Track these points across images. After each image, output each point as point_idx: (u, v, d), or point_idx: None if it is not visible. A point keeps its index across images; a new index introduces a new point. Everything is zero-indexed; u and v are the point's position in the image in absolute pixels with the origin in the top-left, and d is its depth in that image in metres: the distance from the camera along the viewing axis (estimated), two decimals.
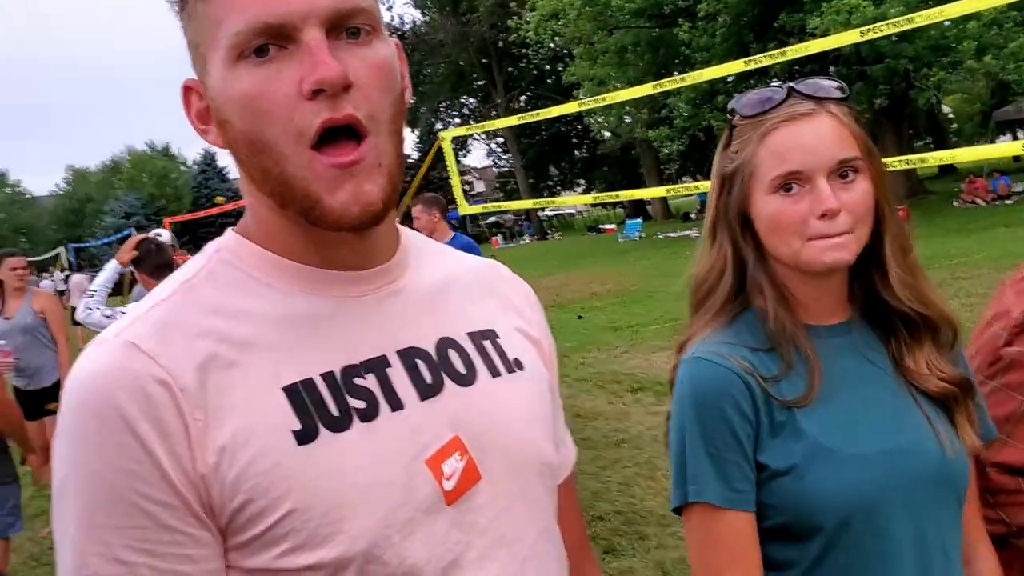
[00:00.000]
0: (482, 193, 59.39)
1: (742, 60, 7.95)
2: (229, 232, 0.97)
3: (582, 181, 52.01)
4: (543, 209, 45.12)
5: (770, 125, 1.25)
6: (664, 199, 37.23)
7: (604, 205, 46.07)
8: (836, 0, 18.67)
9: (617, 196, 11.07)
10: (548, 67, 42.71)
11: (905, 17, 5.82)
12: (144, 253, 4.82)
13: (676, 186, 8.99)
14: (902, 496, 1.20)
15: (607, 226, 39.07)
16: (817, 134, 1.23)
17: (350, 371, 0.88)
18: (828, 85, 1.28)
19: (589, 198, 14.87)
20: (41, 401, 5.95)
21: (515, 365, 1.03)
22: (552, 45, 31.06)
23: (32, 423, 5.77)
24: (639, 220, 32.35)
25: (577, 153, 50.02)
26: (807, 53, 7.90)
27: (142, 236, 4.99)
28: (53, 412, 5.83)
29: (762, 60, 8.10)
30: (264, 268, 0.92)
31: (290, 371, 0.86)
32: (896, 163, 6.14)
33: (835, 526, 1.18)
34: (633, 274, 17.52)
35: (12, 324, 5.95)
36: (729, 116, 1.35)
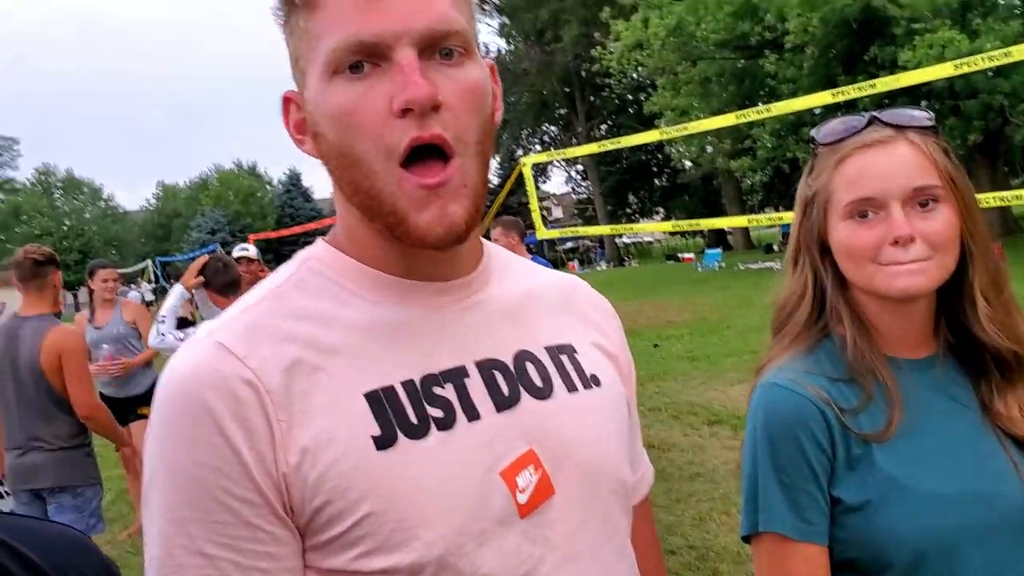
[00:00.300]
0: (560, 219, 59.45)
1: (830, 92, 7.83)
2: (319, 241, 1.00)
3: (661, 209, 51.63)
4: (620, 236, 44.94)
5: (846, 152, 1.25)
6: (746, 230, 36.70)
7: (683, 234, 45.65)
8: (929, 33, 18.23)
9: (698, 224, 10.99)
10: (630, 97, 42.69)
11: (1002, 51, 5.66)
12: (212, 272, 4.89)
13: (758, 216, 8.87)
14: (980, 541, 1.15)
15: (686, 255, 38.70)
16: (893, 161, 1.21)
17: (429, 380, 0.90)
18: (912, 113, 1.27)
19: (668, 225, 14.73)
20: (130, 408, 6.09)
21: (592, 381, 1.02)
22: (635, 75, 31.06)
23: (141, 423, 6.00)
24: (719, 250, 31.92)
25: (657, 182, 49.77)
26: (898, 86, 7.73)
27: (207, 257, 5.06)
28: (143, 417, 6.02)
29: (851, 92, 7.96)
30: (351, 276, 0.94)
31: (372, 378, 0.87)
32: (990, 200, 5.95)
33: (907, 565, 1.15)
34: (711, 304, 17.27)
35: (103, 333, 6.15)
36: (811, 144, 1.34)
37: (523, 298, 1.05)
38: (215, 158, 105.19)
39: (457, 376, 0.92)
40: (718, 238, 38.68)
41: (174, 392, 0.84)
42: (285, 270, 0.98)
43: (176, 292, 4.92)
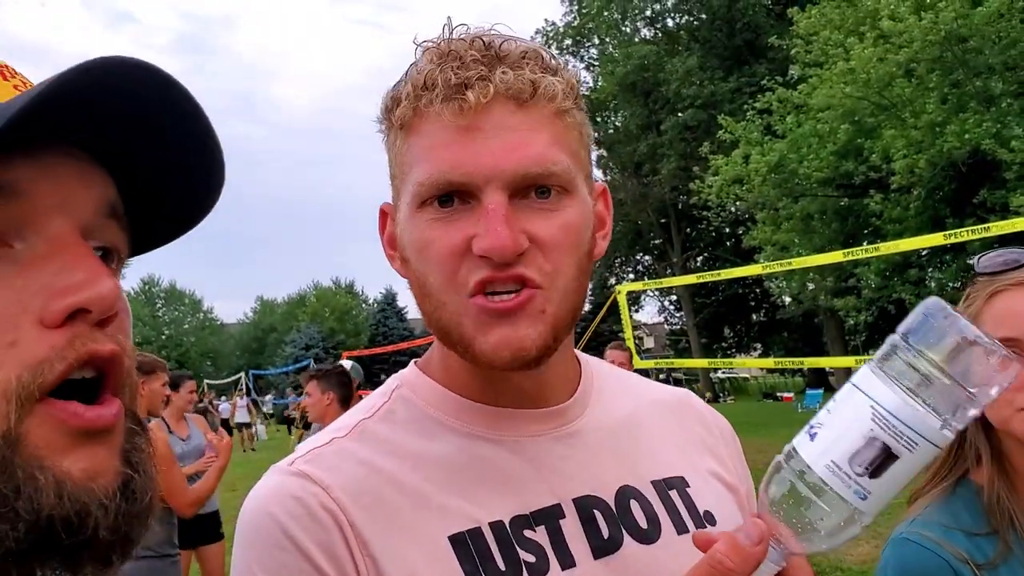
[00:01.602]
0: (651, 349, 58.95)
1: (942, 233, 7.63)
2: (411, 367, 0.98)
3: (758, 345, 50.69)
4: (716, 371, 44.13)
5: (999, 286, 1.21)
6: (849, 370, 35.50)
7: (782, 372, 44.54)
8: None
9: (801, 363, 10.69)
10: (727, 230, 42.73)
11: None
12: (337, 383, 4.99)
13: (866, 357, 8.54)
14: None
15: (785, 394, 37.57)
16: None
17: (520, 521, 0.84)
18: None
19: (770, 362, 14.41)
20: (215, 524, 5.99)
21: (705, 519, 0.92)
22: (733, 209, 31.11)
23: (212, 547, 5.87)
24: (820, 391, 30.88)
25: (754, 316, 49.06)
26: (1012, 231, 7.47)
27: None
28: (221, 537, 5.93)
29: (963, 235, 7.74)
30: (440, 405, 0.91)
31: (458, 519, 0.82)
32: None
33: None
34: None
35: (194, 446, 6.00)
36: (971, 272, 1.30)
37: (627, 423, 0.96)
38: (315, 275, 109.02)
39: (551, 517, 0.85)
40: (819, 378, 37.52)
41: (255, 522, 0.82)
42: (376, 399, 0.95)
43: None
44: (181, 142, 0.60)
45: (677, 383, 52.93)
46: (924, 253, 22.89)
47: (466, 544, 0.81)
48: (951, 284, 23.29)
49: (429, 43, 0.87)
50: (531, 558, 0.82)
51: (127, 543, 0.53)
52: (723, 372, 47.47)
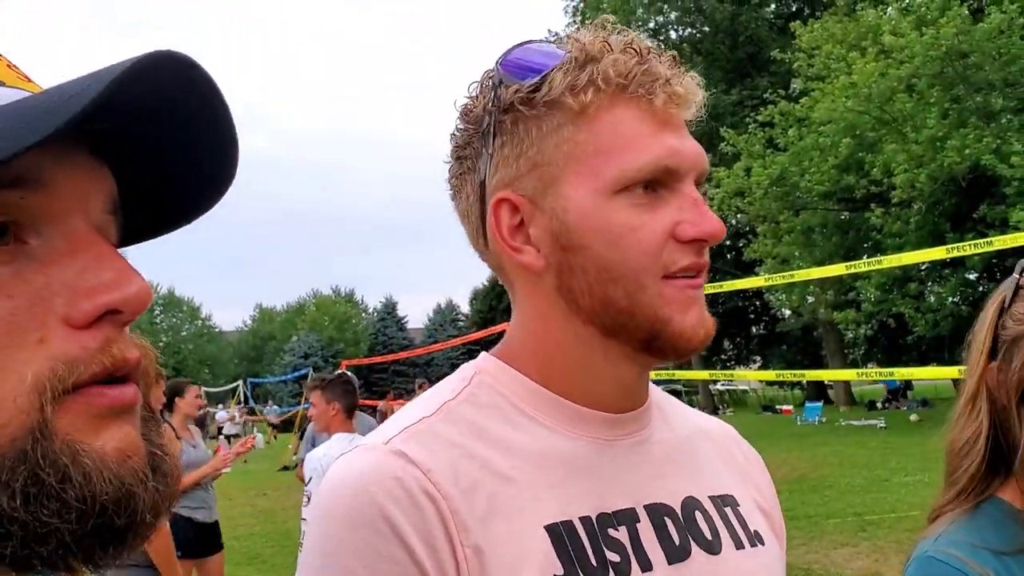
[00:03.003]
0: None
1: (944, 247, 7.67)
2: (487, 357, 0.95)
3: (758, 358, 50.54)
4: (715, 383, 44.02)
5: None
6: (847, 384, 35.45)
7: (781, 384, 44.42)
8: None
9: (802, 375, 10.72)
10: (728, 242, 42.68)
11: None
12: (342, 392, 4.90)
13: (867, 370, 8.59)
14: None
15: (784, 407, 37.48)
16: None
17: (604, 519, 0.85)
18: None
19: (771, 374, 14.40)
20: (217, 534, 5.89)
21: (756, 538, 0.95)
22: (734, 221, 31.11)
23: (218, 556, 5.80)
24: (819, 404, 30.80)
25: (754, 329, 48.97)
26: (1015, 245, 7.52)
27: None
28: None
29: (965, 249, 7.77)
30: (526, 398, 0.90)
31: (550, 510, 0.82)
32: None
33: None
34: (812, 461, 16.52)
35: (205, 454, 6.00)
36: (1017, 276, 1.25)
37: (687, 440, 0.99)
38: (314, 283, 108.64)
39: (629, 519, 0.86)
40: (818, 391, 37.44)
41: (351, 500, 0.78)
42: (454, 383, 0.93)
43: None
44: (196, 142, 0.57)
45: (676, 395, 52.23)
46: (924, 267, 22.89)
47: (560, 536, 0.81)
48: (950, 298, 23.31)
49: (582, 38, 0.88)
50: (616, 557, 0.82)
51: (155, 525, 0.53)
52: (723, 384, 47.30)
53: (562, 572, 0.79)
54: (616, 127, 0.85)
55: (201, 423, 8.95)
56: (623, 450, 0.90)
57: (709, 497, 0.95)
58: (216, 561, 5.82)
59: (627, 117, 0.85)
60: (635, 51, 0.87)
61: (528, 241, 0.89)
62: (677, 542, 0.87)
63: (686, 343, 0.85)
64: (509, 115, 0.88)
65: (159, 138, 0.57)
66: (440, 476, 0.80)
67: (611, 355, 0.88)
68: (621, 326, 0.86)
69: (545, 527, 0.81)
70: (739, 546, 0.92)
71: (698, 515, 0.91)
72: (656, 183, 0.85)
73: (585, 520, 0.83)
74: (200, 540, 5.61)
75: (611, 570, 0.82)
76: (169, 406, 5.75)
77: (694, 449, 0.99)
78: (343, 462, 0.83)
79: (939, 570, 1.14)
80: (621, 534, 0.84)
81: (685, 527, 0.89)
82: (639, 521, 0.87)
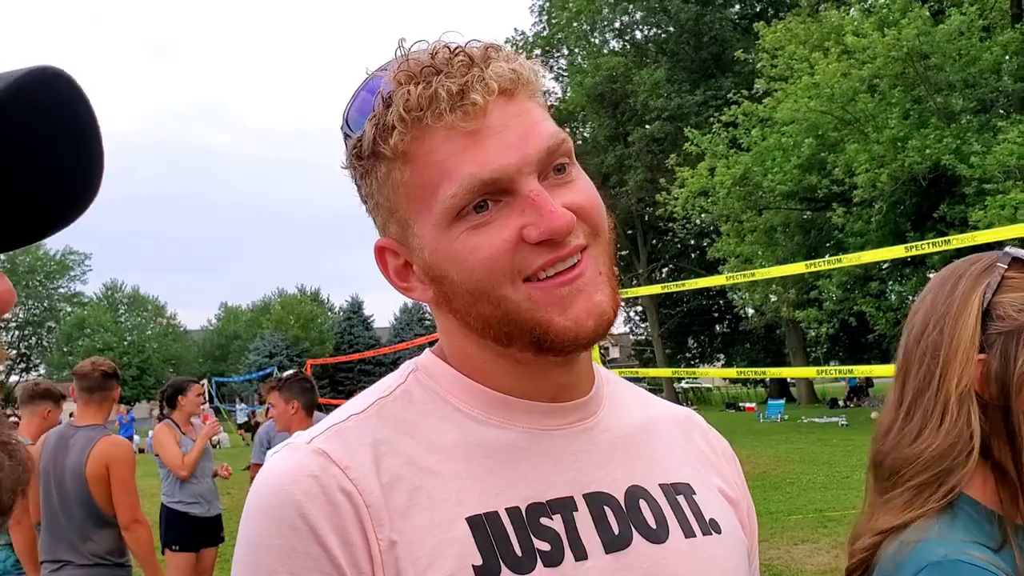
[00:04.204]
0: (616, 359, 59.17)
1: (904, 246, 7.74)
2: (427, 353, 0.97)
3: (722, 356, 51.09)
4: (680, 380, 44.38)
5: None
6: (809, 382, 35.87)
7: (745, 382, 44.89)
8: (1001, 195, 18.15)
9: (764, 373, 10.79)
10: (692, 242, 43.07)
11: None
12: (299, 391, 4.96)
13: (828, 368, 8.66)
14: None
15: (747, 404, 37.82)
16: None
17: (536, 509, 0.84)
18: None
19: (733, 372, 14.48)
20: (217, 528, 6.06)
21: (711, 527, 0.93)
22: (698, 221, 31.35)
23: (213, 549, 6.03)
24: (782, 401, 31.14)
25: (718, 327, 49.44)
26: (973, 243, 7.63)
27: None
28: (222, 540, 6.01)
29: (925, 247, 7.86)
30: (457, 392, 0.90)
31: (475, 502, 0.82)
32: None
33: None
34: (773, 458, 16.68)
35: (206, 450, 6.07)
36: (1001, 266, 1.18)
37: (638, 428, 0.97)
38: (280, 282, 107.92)
39: (565, 508, 0.85)
40: (781, 389, 37.86)
41: (270, 499, 0.82)
42: (392, 380, 0.95)
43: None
44: (62, 158, 0.57)
45: None
46: (885, 266, 23.21)
47: (483, 527, 0.81)
48: (911, 297, 23.65)
49: (384, 71, 0.87)
50: (546, 547, 0.82)
51: (13, 504, 0.55)
52: (687, 382, 47.74)
53: (481, 562, 0.79)
54: (430, 157, 0.84)
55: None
56: (562, 439, 0.90)
57: (660, 485, 0.93)
58: (211, 552, 6.03)
59: (435, 144, 0.84)
60: (430, 71, 0.83)
61: (416, 277, 0.91)
62: (617, 531, 0.87)
63: (574, 339, 0.84)
64: (358, 169, 0.90)
65: (27, 151, 0.56)
66: (358, 472, 0.81)
67: (520, 359, 0.87)
68: (508, 335, 0.85)
69: (467, 519, 0.81)
70: (689, 534, 0.91)
71: (643, 503, 0.90)
72: (490, 197, 0.83)
73: (512, 511, 0.83)
74: (197, 533, 5.87)
75: (539, 559, 0.81)
76: (172, 403, 5.97)
77: (648, 437, 0.98)
78: (269, 463, 0.85)
79: (968, 572, 1.05)
80: (555, 523, 0.84)
81: (628, 516, 0.88)
82: (576, 510, 0.86)
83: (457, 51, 0.84)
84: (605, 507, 0.88)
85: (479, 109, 0.82)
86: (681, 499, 0.93)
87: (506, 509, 0.83)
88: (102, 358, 4.43)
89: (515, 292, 0.83)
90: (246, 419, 33.27)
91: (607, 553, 0.85)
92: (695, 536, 0.91)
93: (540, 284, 0.83)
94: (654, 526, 0.89)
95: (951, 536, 1.11)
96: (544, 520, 0.84)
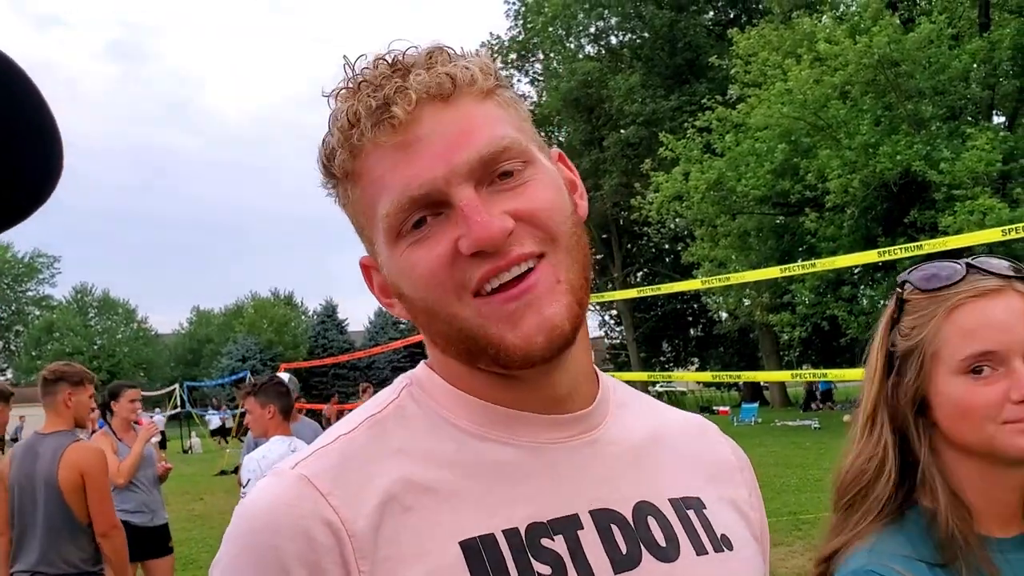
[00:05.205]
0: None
1: (876, 251, 7.82)
2: (421, 366, 0.93)
3: (696, 360, 51.36)
4: (655, 384, 44.57)
5: (957, 300, 1.14)
6: (783, 385, 36.10)
7: (718, 386, 45.13)
8: (970, 201, 18.42)
9: (739, 376, 10.85)
10: (667, 246, 43.24)
11: None
12: (276, 395, 4.89)
13: (801, 371, 8.73)
14: None
15: (721, 408, 38.00)
16: (1010, 311, 1.11)
17: (536, 529, 0.79)
18: (1007, 264, 1.17)
19: (708, 376, 14.60)
20: (163, 538, 5.89)
21: (723, 543, 0.89)
22: (673, 225, 31.49)
23: (162, 560, 5.82)
24: (755, 405, 31.33)
25: (692, 331, 49.69)
26: (944, 248, 7.72)
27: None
28: (170, 551, 5.85)
29: (897, 252, 7.96)
30: (452, 407, 0.86)
31: (470, 523, 0.78)
32: None
33: None
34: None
35: (148, 456, 5.94)
36: (899, 290, 1.23)
37: (646, 440, 0.93)
38: (253, 286, 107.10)
39: (569, 527, 0.81)
40: (754, 393, 38.10)
41: (245, 528, 0.78)
42: (385, 395, 0.91)
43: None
44: (20, 151, 0.56)
45: None
46: (856, 271, 23.43)
47: (478, 552, 0.77)
48: (882, 301, 23.90)
49: (338, 88, 0.85)
50: (547, 570, 0.78)
51: None
52: (661, 386, 47.89)
53: None
54: (371, 174, 0.83)
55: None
56: (566, 453, 0.86)
57: (669, 500, 0.89)
58: (165, 564, 5.84)
59: (372, 162, 0.82)
60: (356, 87, 0.82)
61: (391, 295, 0.90)
62: (625, 550, 0.83)
63: (524, 357, 0.79)
64: (329, 188, 0.90)
65: None
66: (341, 499, 0.78)
67: (492, 372, 0.84)
68: (468, 352, 0.83)
69: (460, 542, 0.77)
70: (700, 551, 0.87)
71: (651, 520, 0.86)
72: (428, 211, 0.80)
73: (510, 532, 0.79)
74: (139, 543, 5.59)
75: None
76: (108, 409, 5.84)
77: (657, 449, 0.94)
78: (255, 487, 0.82)
79: None
80: (557, 544, 0.80)
81: (636, 533, 0.84)
82: (581, 528, 0.82)
83: (394, 62, 0.83)
84: (612, 524, 0.83)
85: (401, 122, 0.79)
86: (692, 514, 0.89)
87: (503, 531, 0.79)
88: (57, 363, 4.37)
89: (464, 308, 0.80)
90: (220, 424, 33.00)
91: (615, 573, 0.81)
92: (707, 553, 0.87)
93: (488, 299, 0.80)
94: (664, 544, 0.85)
95: (883, 548, 1.13)
96: (545, 541, 0.79)
